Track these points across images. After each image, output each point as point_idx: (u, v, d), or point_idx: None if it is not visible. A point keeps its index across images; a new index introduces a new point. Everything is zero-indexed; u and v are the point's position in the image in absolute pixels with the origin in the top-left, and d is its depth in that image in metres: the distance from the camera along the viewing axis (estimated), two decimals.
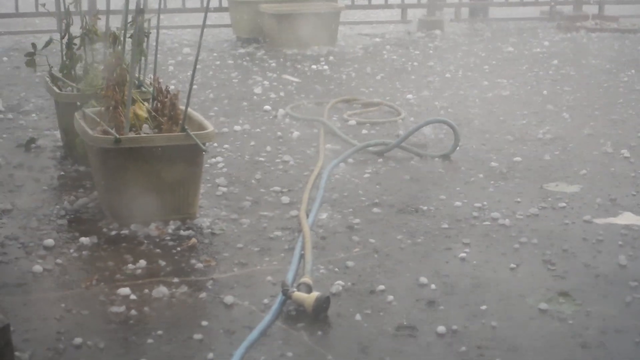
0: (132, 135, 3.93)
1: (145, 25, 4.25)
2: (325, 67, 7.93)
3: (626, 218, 4.15)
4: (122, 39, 4.27)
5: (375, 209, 4.20)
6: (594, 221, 4.09)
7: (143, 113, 4.09)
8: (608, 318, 3.11)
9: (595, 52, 9.06)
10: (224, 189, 4.47)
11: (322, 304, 3.09)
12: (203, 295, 3.27)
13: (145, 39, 4.31)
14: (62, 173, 4.75)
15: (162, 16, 4.25)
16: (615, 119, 6.06)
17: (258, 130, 5.70)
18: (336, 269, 3.50)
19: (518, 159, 5.08)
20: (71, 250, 3.68)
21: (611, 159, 5.13)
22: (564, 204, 4.30)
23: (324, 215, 4.10)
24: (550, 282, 3.41)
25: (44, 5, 5.16)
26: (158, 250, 3.68)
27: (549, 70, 7.88)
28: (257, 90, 6.86)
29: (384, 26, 10.69)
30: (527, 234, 3.90)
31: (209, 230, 3.90)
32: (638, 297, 3.28)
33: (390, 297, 3.24)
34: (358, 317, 3.09)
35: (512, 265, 3.56)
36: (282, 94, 6.77)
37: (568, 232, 3.96)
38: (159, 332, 2.97)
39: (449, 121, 5.33)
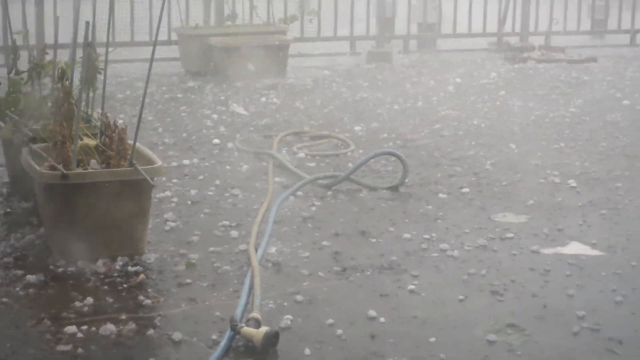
0: (79, 170, 3.91)
1: (94, 59, 4.24)
2: (275, 99, 7.94)
3: (573, 248, 4.18)
4: (70, 73, 4.25)
5: (324, 242, 4.20)
6: (541, 251, 4.12)
7: (91, 147, 4.06)
8: (556, 348, 3.13)
9: (542, 82, 9.15)
10: (173, 224, 4.45)
11: (271, 339, 3.08)
12: (151, 332, 3.24)
13: (95, 73, 4.29)
14: (9, 210, 4.70)
15: (110, 49, 4.23)
16: (562, 149, 6.12)
17: (207, 164, 5.69)
18: (285, 303, 3.49)
19: (466, 190, 5.11)
20: (17, 289, 3.64)
21: (558, 189, 5.17)
22: (511, 235, 4.33)
23: (273, 249, 4.10)
24: (498, 313, 3.43)
25: None
26: (105, 287, 3.65)
27: (497, 101, 7.94)
28: (207, 123, 6.85)
29: (333, 58, 10.73)
30: (475, 265, 3.92)
31: (158, 266, 3.88)
32: (586, 326, 3.30)
33: (340, 331, 3.24)
34: (307, 351, 3.09)
35: (461, 297, 3.57)
36: (231, 127, 6.77)
37: (516, 262, 3.98)
38: None
39: (398, 153, 5.36)
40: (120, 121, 4.34)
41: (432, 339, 3.18)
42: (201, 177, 5.34)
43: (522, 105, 7.81)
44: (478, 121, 7.06)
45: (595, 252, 4.12)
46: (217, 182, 5.24)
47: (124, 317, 3.36)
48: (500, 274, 3.84)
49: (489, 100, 7.99)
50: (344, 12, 10.99)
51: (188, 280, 3.72)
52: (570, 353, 3.10)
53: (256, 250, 4.00)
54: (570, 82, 9.22)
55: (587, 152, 6.06)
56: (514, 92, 8.43)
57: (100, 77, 4.39)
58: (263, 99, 7.97)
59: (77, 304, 3.48)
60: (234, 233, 4.32)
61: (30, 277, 3.71)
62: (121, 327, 3.27)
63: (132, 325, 3.29)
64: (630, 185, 5.25)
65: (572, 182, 5.26)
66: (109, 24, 4.14)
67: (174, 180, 5.25)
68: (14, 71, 4.84)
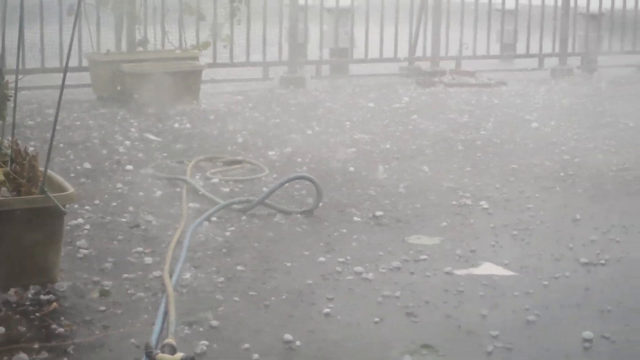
0: None
1: (3, 86, 4.18)
2: (188, 125, 7.91)
3: (486, 268, 4.23)
4: None
5: (239, 267, 4.19)
6: (455, 272, 4.16)
7: (1, 175, 4.00)
8: None
9: (454, 106, 9.26)
10: (85, 251, 4.41)
11: None
12: None
13: (4, 101, 4.23)
14: None
15: (20, 76, 4.18)
16: (473, 172, 6.20)
17: (120, 190, 5.64)
18: (201, 329, 3.48)
19: (380, 212, 5.14)
20: None
21: (470, 210, 5.24)
22: (425, 257, 4.37)
23: (188, 275, 4.07)
24: (413, 334, 3.45)
25: None
26: (17, 316, 3.59)
27: (409, 125, 8.02)
28: (119, 149, 6.80)
29: (247, 84, 10.73)
30: (390, 287, 3.94)
31: (71, 294, 3.84)
32: (499, 346, 3.34)
33: (256, 356, 3.23)
34: None
35: (376, 319, 3.59)
36: (144, 153, 6.73)
37: (430, 284, 4.01)
38: None
39: (312, 177, 5.37)
40: (31, 148, 4.30)
41: None
42: (114, 204, 5.30)
43: (434, 128, 7.89)
44: (391, 145, 7.12)
45: (507, 272, 4.18)
46: (131, 208, 5.20)
47: (36, 346, 3.30)
48: (414, 295, 3.87)
49: (402, 124, 8.07)
50: (256, 38, 11.01)
51: (102, 308, 3.68)
52: None
53: (171, 276, 3.97)
54: (481, 105, 9.35)
55: (499, 174, 6.15)
56: (426, 116, 8.52)
57: (10, 104, 4.33)
58: (176, 124, 7.94)
59: None
60: (148, 259, 4.29)
61: None
62: (34, 356, 3.22)
63: (45, 355, 3.24)
64: (540, 206, 5.33)
65: (484, 204, 5.33)
66: (18, 50, 4.09)
67: (87, 207, 5.20)
68: None
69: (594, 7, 13.15)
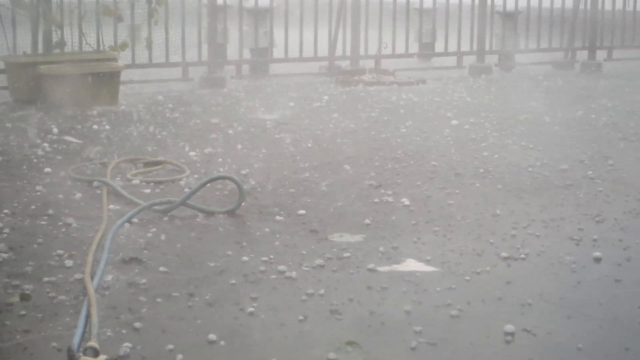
0: None
1: None
2: (107, 127, 7.84)
3: (409, 265, 4.26)
4: None
5: (161, 268, 4.16)
6: (377, 269, 4.18)
7: None
8: None
9: (374, 104, 9.31)
10: (5, 255, 4.33)
11: None
12: None
13: None
14: None
15: None
16: (394, 169, 6.23)
17: (39, 193, 5.56)
18: (124, 331, 3.44)
19: (302, 211, 5.14)
20: None
21: (392, 208, 5.26)
22: (348, 254, 4.38)
23: (109, 277, 4.03)
24: (337, 331, 3.45)
25: None
26: None
27: (330, 124, 8.04)
28: (38, 152, 6.71)
29: (166, 84, 10.68)
30: (313, 286, 3.94)
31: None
32: (423, 341, 3.36)
33: (180, 356, 3.20)
34: None
35: (300, 317, 3.59)
36: (63, 155, 6.65)
37: (353, 281, 4.02)
38: None
39: (233, 177, 5.36)
40: None
41: None
42: (33, 207, 5.22)
43: (354, 127, 7.92)
44: (312, 144, 7.13)
45: (430, 269, 4.21)
46: (50, 211, 5.13)
47: None
48: (338, 293, 3.87)
49: (322, 123, 8.09)
50: (175, 39, 10.95)
51: (22, 312, 3.63)
52: None
53: (92, 278, 3.93)
54: (400, 103, 9.41)
55: (419, 171, 6.19)
56: (346, 115, 8.55)
57: None
58: (95, 126, 7.86)
59: None
60: (69, 262, 4.23)
61: None
62: None
63: None
64: (461, 202, 5.38)
65: (406, 201, 5.36)
66: None
67: (5, 211, 5.12)
68: None
69: (510, 5, 13.32)
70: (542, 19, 13.37)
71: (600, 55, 13.69)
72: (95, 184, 5.75)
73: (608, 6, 13.89)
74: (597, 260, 4.34)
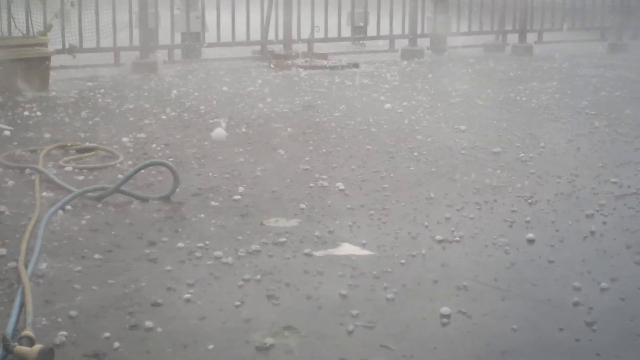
0: None
1: None
2: (39, 113, 7.75)
3: (345, 249, 4.27)
4: None
5: (96, 255, 4.13)
6: (314, 254, 4.18)
7: None
8: (333, 347, 3.19)
9: (307, 88, 9.32)
10: None
11: (46, 357, 2.99)
12: None
13: None
14: None
15: None
16: (328, 153, 6.24)
17: None
18: (59, 319, 3.41)
19: (237, 197, 5.13)
20: None
21: (327, 192, 5.27)
22: (284, 239, 4.38)
23: (44, 265, 3.99)
24: (275, 316, 3.46)
25: None
26: None
27: (264, 109, 8.03)
28: None
29: (97, 69, 10.58)
30: (250, 271, 3.94)
31: None
32: (360, 324, 3.38)
33: (117, 344, 3.19)
34: None
35: (237, 303, 3.58)
36: None
37: (289, 266, 4.03)
38: None
39: (168, 163, 5.33)
40: None
41: (210, 346, 3.18)
42: None
43: (287, 111, 7.92)
44: (246, 129, 7.11)
45: (365, 252, 4.23)
46: None
47: None
48: (274, 278, 3.87)
49: (256, 107, 8.07)
50: (106, 23, 10.85)
51: None
52: (346, 351, 3.16)
53: (26, 266, 3.89)
54: (333, 87, 9.42)
55: (353, 155, 6.21)
56: (280, 99, 8.55)
57: None
58: (26, 112, 7.77)
59: None
60: (2, 251, 4.18)
61: None
62: None
63: None
64: (395, 186, 5.41)
65: (340, 185, 5.38)
66: None
67: None
68: None
69: None
70: (473, 2, 13.45)
71: (531, 38, 13.81)
72: (27, 171, 5.68)
73: None
74: (530, 241, 4.40)
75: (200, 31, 11.77)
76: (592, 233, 4.53)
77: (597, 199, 5.15)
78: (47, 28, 9.97)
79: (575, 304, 3.59)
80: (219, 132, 6.62)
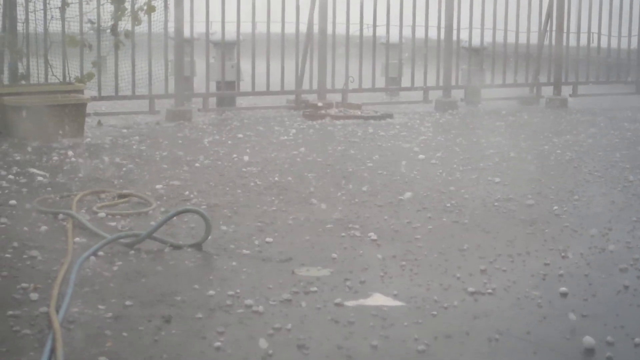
0: None
1: None
2: (73, 159, 7.80)
3: (376, 299, 4.25)
4: None
5: (127, 302, 4.13)
6: (345, 304, 4.17)
7: None
8: None
9: (340, 138, 9.33)
10: None
11: None
12: None
13: None
14: None
15: None
16: (362, 203, 6.23)
17: (4, 225, 5.51)
18: None
19: (269, 246, 5.13)
20: None
21: (360, 242, 5.26)
22: (315, 289, 4.37)
23: (74, 310, 4.00)
24: None
25: None
26: None
27: (297, 158, 8.04)
28: (2, 184, 6.66)
29: (132, 117, 10.65)
30: (280, 320, 3.93)
31: None
32: None
33: None
34: None
35: (269, 352, 3.57)
36: (28, 188, 6.61)
37: (320, 315, 4.01)
38: None
39: (200, 210, 5.34)
40: None
41: None
42: None
43: (321, 161, 7.93)
44: (279, 177, 7.12)
45: (397, 303, 4.20)
46: (15, 244, 5.09)
47: None
48: (305, 327, 3.86)
49: (289, 157, 8.09)
50: (142, 71, 10.93)
51: None
52: None
53: (57, 312, 3.90)
54: (367, 137, 9.43)
55: (387, 205, 6.20)
56: (313, 148, 8.56)
57: None
58: (60, 158, 7.82)
59: None
60: (34, 295, 4.19)
61: None
62: None
63: None
64: (428, 237, 5.39)
65: (373, 235, 5.36)
66: None
67: None
68: None
69: (476, 41, 13.40)
70: (508, 55, 13.46)
71: (566, 90, 13.78)
72: (60, 216, 5.71)
73: (573, 42, 14.01)
74: (564, 295, 4.36)
75: (235, 80, 11.83)
76: (626, 287, 4.49)
77: (631, 253, 5.11)
78: (88, 77, 10.08)
79: (609, 359, 3.55)
80: None
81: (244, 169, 7.44)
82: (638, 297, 4.36)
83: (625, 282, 4.55)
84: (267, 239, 5.26)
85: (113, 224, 5.62)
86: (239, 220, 5.73)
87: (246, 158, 7.96)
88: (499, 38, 13.39)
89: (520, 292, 4.37)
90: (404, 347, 3.66)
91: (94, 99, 10.06)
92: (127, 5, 10.46)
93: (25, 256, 4.87)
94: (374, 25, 12.47)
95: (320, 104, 11.64)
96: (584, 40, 14.07)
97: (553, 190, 6.81)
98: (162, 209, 6.00)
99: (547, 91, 13.73)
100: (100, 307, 4.07)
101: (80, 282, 4.39)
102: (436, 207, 6.19)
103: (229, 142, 8.92)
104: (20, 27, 9.90)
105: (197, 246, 5.09)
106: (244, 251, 5.02)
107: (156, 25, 10.81)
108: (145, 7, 10.58)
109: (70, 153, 8.08)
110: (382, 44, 13.10)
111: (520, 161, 8.16)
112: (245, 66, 11.72)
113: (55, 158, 7.85)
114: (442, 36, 12.90)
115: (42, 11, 10.04)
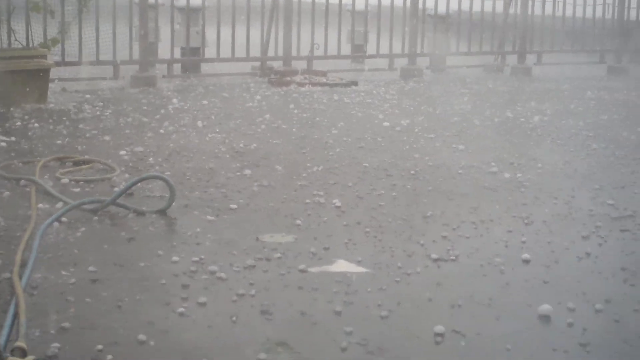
0: None
1: None
2: (36, 125, 7.74)
3: (340, 266, 4.26)
4: None
5: (91, 268, 4.12)
6: (309, 270, 4.18)
7: None
8: None
9: (305, 105, 9.32)
10: None
11: None
12: None
13: None
14: None
15: None
16: (326, 170, 6.24)
17: None
18: (52, 331, 3.40)
19: (233, 211, 5.13)
20: None
21: (324, 208, 5.27)
22: (279, 255, 4.37)
23: (37, 277, 3.98)
24: (268, 332, 3.45)
25: None
26: None
27: (262, 125, 8.03)
28: None
29: (96, 83, 10.58)
30: (244, 286, 3.93)
31: None
32: (354, 342, 3.37)
33: (109, 357, 3.18)
34: None
35: (233, 318, 3.57)
36: None
37: (284, 282, 4.02)
38: None
39: (164, 176, 5.33)
40: None
41: None
42: None
43: (286, 128, 7.92)
44: (244, 144, 7.11)
45: (361, 269, 4.22)
46: None
47: None
48: (269, 293, 3.87)
49: (254, 124, 8.07)
50: (106, 37, 10.85)
51: None
52: None
53: (20, 278, 3.88)
54: (332, 105, 9.43)
55: (351, 172, 6.21)
56: (278, 115, 8.55)
57: None
58: (24, 124, 7.76)
59: None
60: None
61: None
62: None
63: None
64: (392, 204, 5.41)
65: (337, 202, 5.37)
66: None
67: None
68: None
69: (442, 9, 13.41)
70: (473, 23, 13.48)
71: (530, 59, 13.83)
72: (23, 182, 5.67)
73: (538, 11, 14.05)
74: (526, 262, 4.39)
75: (200, 46, 11.78)
76: (588, 254, 4.53)
77: (594, 220, 5.15)
78: (52, 43, 9.99)
79: (570, 325, 3.58)
80: None
81: (209, 136, 7.42)
82: (599, 264, 4.40)
83: (587, 249, 4.59)
84: (231, 206, 5.26)
85: (76, 190, 5.59)
86: (203, 186, 5.72)
87: (211, 125, 7.94)
88: (465, 6, 13.41)
89: (483, 259, 4.40)
90: (367, 313, 3.67)
91: (57, 64, 9.98)
92: None
93: None
94: None
95: (285, 71, 11.62)
96: (549, 9, 14.11)
97: (517, 157, 6.85)
98: (126, 175, 5.97)
99: (512, 60, 13.79)
100: (64, 273, 4.06)
101: (43, 248, 4.38)
102: (400, 174, 6.20)
103: (194, 108, 8.88)
104: None
105: (161, 212, 5.08)
106: (208, 217, 5.01)
107: None
108: None
109: (33, 119, 8.02)
110: (348, 11, 13.09)
111: (484, 129, 8.19)
112: (211, 32, 11.67)
113: (18, 124, 7.79)
114: (408, 4, 12.89)
115: None
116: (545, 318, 3.65)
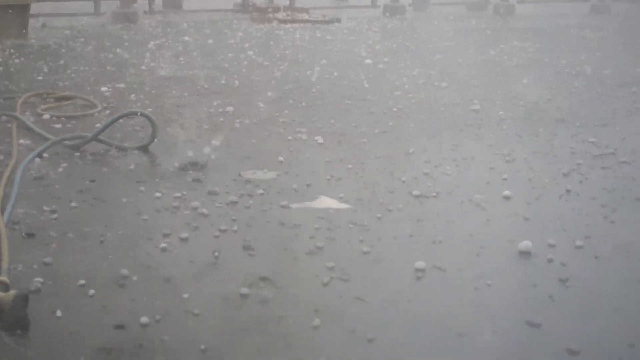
0: None
1: None
2: (17, 61, 7.69)
3: (322, 202, 4.27)
4: None
5: (73, 203, 4.12)
6: (291, 206, 4.19)
7: None
8: (308, 300, 3.19)
9: (288, 42, 9.28)
10: None
11: (21, 302, 2.99)
12: None
13: None
14: None
15: None
16: (308, 107, 6.23)
17: None
18: (35, 266, 3.41)
19: (216, 147, 5.12)
20: None
21: (306, 145, 5.27)
22: (261, 191, 4.38)
23: (20, 212, 3.98)
24: (250, 267, 3.46)
25: None
26: None
27: (245, 61, 7.99)
28: None
29: (77, 19, 10.50)
30: (227, 222, 3.94)
31: None
32: (335, 277, 3.38)
33: (92, 291, 3.19)
34: (59, 313, 3.02)
35: (215, 253, 3.59)
36: None
37: (266, 218, 4.03)
38: None
39: (146, 113, 5.31)
40: None
41: (186, 295, 3.18)
42: None
43: (269, 65, 7.89)
44: (227, 80, 7.08)
45: (342, 206, 4.23)
46: None
47: None
48: (251, 229, 3.88)
49: (237, 60, 8.03)
50: None
51: None
52: (321, 303, 3.17)
53: (2, 213, 3.88)
54: (315, 42, 9.38)
55: (333, 109, 6.20)
56: (261, 52, 8.51)
57: None
58: (4, 60, 7.71)
59: None
60: None
61: None
62: None
63: None
64: (374, 141, 5.41)
65: (320, 139, 5.37)
66: None
67: None
68: None
69: None
70: None
71: None
72: (4, 118, 5.64)
73: None
74: (507, 198, 4.41)
75: None
76: (568, 191, 4.55)
77: (575, 158, 5.17)
78: None
79: (550, 261, 3.61)
80: None
81: (191, 72, 7.39)
82: (580, 201, 4.42)
83: (567, 186, 4.61)
84: (214, 142, 5.25)
85: (58, 126, 5.57)
86: (185, 123, 5.71)
87: (193, 61, 7.90)
88: None
89: (464, 196, 4.41)
90: (349, 248, 3.69)
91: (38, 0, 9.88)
92: None
93: None
94: None
95: (267, 8, 11.54)
96: None
97: (499, 95, 6.85)
98: (107, 112, 5.95)
99: None
100: (46, 208, 4.05)
101: (25, 184, 4.37)
102: (383, 111, 6.20)
103: (175, 44, 8.83)
104: None
105: (144, 148, 5.07)
106: (190, 153, 5.01)
107: None
108: None
109: (13, 55, 7.96)
110: None
111: (467, 66, 8.18)
112: None
113: None
114: None
115: None
116: (526, 254, 3.68)
